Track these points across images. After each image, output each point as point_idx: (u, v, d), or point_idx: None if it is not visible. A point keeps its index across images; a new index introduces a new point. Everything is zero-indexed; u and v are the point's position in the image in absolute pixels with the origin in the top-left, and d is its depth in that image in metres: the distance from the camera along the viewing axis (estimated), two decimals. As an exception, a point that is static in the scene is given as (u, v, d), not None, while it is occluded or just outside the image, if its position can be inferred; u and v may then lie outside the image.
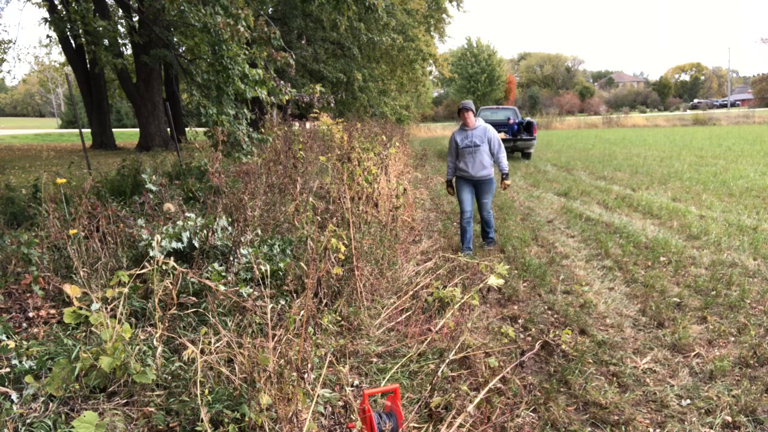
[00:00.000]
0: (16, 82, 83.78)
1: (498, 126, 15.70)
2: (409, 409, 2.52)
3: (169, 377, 2.58)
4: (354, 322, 3.36)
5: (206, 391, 2.22)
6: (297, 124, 11.03)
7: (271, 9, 18.95)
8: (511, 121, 15.12)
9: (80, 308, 2.88)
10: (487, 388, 2.51)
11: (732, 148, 15.34)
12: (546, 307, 3.95)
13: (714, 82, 78.14)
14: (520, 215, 7.18)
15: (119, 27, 12.69)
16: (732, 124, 33.41)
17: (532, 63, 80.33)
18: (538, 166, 13.08)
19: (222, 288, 2.84)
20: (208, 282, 2.63)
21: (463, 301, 3.36)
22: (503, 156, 5.31)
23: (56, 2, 16.62)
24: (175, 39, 9.81)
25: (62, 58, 28.08)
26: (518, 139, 14.41)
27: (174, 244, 4.00)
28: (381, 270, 4.08)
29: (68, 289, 3.42)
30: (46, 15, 16.84)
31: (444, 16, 26.54)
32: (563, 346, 3.23)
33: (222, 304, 3.27)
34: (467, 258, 4.77)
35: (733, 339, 3.31)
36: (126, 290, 2.71)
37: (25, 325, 3.26)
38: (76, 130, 34.28)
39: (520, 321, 3.73)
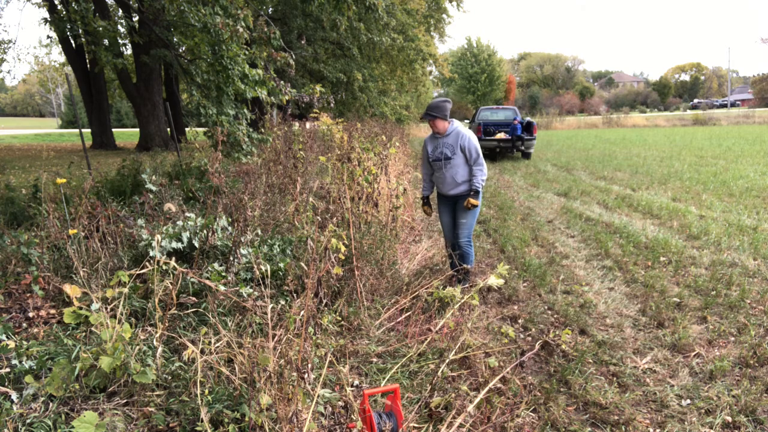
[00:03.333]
0: (16, 82, 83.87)
1: (499, 126, 15.67)
2: (409, 409, 2.52)
3: (169, 377, 2.58)
4: (354, 322, 3.37)
5: (206, 391, 2.22)
6: (297, 124, 11.02)
7: (270, 9, 18.96)
8: (516, 122, 15.04)
9: (80, 308, 2.88)
10: (487, 388, 2.50)
11: (732, 148, 15.35)
12: (546, 307, 3.95)
13: (714, 82, 78.15)
14: (520, 215, 7.18)
15: (119, 27, 12.69)
16: (732, 124, 33.41)
17: (532, 63, 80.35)
18: (538, 166, 13.08)
19: (222, 288, 2.84)
20: (208, 282, 2.63)
21: (463, 301, 3.36)
22: (479, 169, 4.13)
23: (56, 2, 16.61)
24: (175, 39, 9.81)
25: (62, 58, 28.09)
26: (518, 138, 14.38)
27: (174, 244, 4.00)
28: (381, 270, 4.08)
29: (68, 289, 3.43)
30: (46, 15, 16.85)
31: (444, 16, 26.52)
32: (563, 346, 3.23)
33: (222, 304, 3.27)
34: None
35: (733, 339, 3.31)
36: (126, 290, 2.71)
37: (25, 325, 3.26)
38: (76, 130, 34.29)
39: (520, 321, 3.73)
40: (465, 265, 4.13)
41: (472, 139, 4.13)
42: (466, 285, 4.24)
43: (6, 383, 2.40)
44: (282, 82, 8.45)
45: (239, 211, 4.42)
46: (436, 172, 4.32)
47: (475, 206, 4.14)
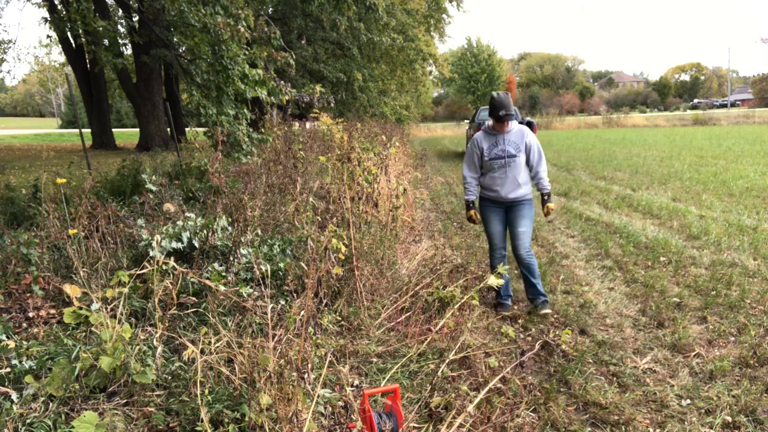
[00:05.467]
0: (16, 82, 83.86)
1: None
2: (409, 409, 2.52)
3: (169, 377, 2.58)
4: (354, 322, 3.36)
5: (206, 391, 2.22)
6: (297, 124, 11.03)
7: (271, 9, 18.94)
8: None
9: (80, 308, 2.88)
10: (487, 388, 2.50)
11: (732, 148, 15.34)
12: (546, 307, 3.95)
13: (714, 82, 78.12)
14: (520, 215, 7.17)
15: (119, 27, 12.70)
16: (732, 124, 33.41)
17: (532, 63, 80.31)
18: (538, 166, 13.06)
19: (222, 288, 2.84)
20: (208, 282, 2.63)
21: (463, 301, 3.36)
22: (544, 170, 3.86)
23: (56, 2, 16.61)
24: (175, 39, 9.80)
25: (62, 58, 28.12)
26: None
27: (174, 244, 4.00)
28: (381, 270, 4.08)
29: (68, 289, 3.43)
30: (46, 15, 16.83)
31: (444, 16, 26.54)
32: (563, 346, 3.23)
33: (222, 304, 3.27)
34: (505, 312, 3.86)
35: (733, 339, 3.31)
36: (126, 290, 2.71)
37: (25, 325, 3.26)
38: (76, 130, 34.28)
39: (520, 321, 3.73)
40: (541, 295, 3.84)
41: (535, 138, 3.88)
42: (546, 308, 3.80)
43: (6, 383, 2.40)
44: (282, 82, 8.44)
45: (239, 211, 4.42)
46: (494, 173, 3.82)
47: (552, 210, 3.95)
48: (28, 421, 2.18)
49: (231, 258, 3.76)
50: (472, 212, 4.03)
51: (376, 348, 3.15)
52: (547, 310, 3.80)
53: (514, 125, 3.84)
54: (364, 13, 13.63)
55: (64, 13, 12.78)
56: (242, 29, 7.51)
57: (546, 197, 3.90)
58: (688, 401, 2.64)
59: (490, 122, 3.85)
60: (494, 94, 3.72)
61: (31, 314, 3.34)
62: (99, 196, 5.48)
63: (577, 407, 2.64)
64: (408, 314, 3.56)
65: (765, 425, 2.42)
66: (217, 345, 2.46)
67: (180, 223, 4.23)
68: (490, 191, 3.90)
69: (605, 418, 2.52)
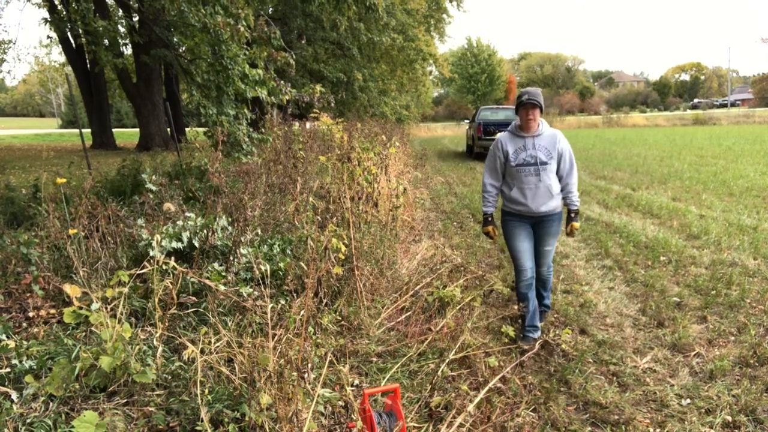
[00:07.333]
0: (17, 82, 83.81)
1: (499, 126, 15.62)
2: (410, 408, 2.52)
3: (169, 377, 2.58)
4: (354, 322, 3.36)
5: (206, 391, 2.22)
6: (297, 124, 11.02)
7: (270, 9, 18.93)
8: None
9: (80, 308, 2.88)
10: (487, 388, 2.51)
11: (732, 147, 15.34)
12: (546, 307, 3.95)
13: (714, 82, 78.08)
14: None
15: (119, 27, 12.67)
16: (732, 124, 33.41)
17: (532, 63, 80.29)
18: (538, 166, 13.05)
19: (222, 288, 2.84)
20: (208, 282, 2.63)
21: (464, 302, 3.36)
22: (575, 182, 3.35)
23: (56, 2, 16.61)
24: (175, 39, 9.80)
25: (62, 58, 28.11)
26: None
27: (174, 244, 4.00)
28: (381, 270, 4.08)
29: (68, 288, 3.41)
30: (47, 15, 16.82)
31: (444, 16, 26.58)
32: (563, 346, 3.23)
33: (222, 303, 3.27)
34: (526, 346, 3.30)
35: (733, 338, 3.31)
36: (126, 290, 2.71)
37: (25, 324, 3.26)
38: (76, 130, 34.23)
39: (520, 321, 3.73)
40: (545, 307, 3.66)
41: (568, 143, 3.35)
42: (540, 320, 3.55)
43: (6, 383, 2.40)
44: (282, 82, 8.43)
45: (239, 211, 4.41)
46: (522, 182, 3.30)
47: (577, 230, 3.45)
48: (28, 420, 2.18)
49: (231, 258, 3.76)
50: (490, 228, 3.51)
51: (376, 347, 3.15)
52: (536, 331, 3.44)
53: (545, 128, 3.31)
54: (364, 13, 13.61)
55: (64, 13, 12.77)
56: (242, 29, 7.50)
57: (573, 215, 3.41)
58: (688, 401, 2.64)
59: (517, 121, 3.37)
60: (526, 88, 3.38)
61: (31, 314, 3.34)
62: (99, 196, 5.47)
63: (577, 407, 2.64)
64: (408, 314, 3.56)
65: (765, 425, 2.42)
66: (217, 345, 2.46)
67: (180, 222, 4.23)
68: (517, 205, 3.35)
69: (605, 417, 2.52)
